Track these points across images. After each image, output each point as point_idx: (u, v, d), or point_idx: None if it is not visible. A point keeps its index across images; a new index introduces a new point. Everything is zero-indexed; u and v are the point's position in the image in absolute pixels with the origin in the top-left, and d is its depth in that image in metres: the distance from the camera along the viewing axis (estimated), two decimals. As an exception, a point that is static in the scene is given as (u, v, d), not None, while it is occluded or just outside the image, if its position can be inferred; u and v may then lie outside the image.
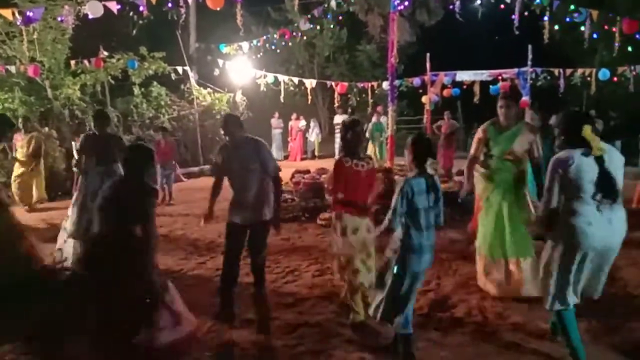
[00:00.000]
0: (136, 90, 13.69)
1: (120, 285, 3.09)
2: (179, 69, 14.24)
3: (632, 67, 12.47)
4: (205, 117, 15.22)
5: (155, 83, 14.25)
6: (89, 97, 12.79)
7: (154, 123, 13.77)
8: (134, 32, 13.59)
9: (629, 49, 12.06)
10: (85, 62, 12.56)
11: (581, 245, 2.92)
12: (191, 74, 14.92)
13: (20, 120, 9.09)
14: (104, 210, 3.23)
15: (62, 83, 11.96)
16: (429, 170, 3.03)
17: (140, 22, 12.05)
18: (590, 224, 2.90)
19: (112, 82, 13.25)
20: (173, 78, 14.33)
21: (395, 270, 3.13)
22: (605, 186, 2.86)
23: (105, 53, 12.80)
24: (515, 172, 4.29)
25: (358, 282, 3.69)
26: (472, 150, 4.51)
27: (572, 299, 3.07)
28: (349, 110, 16.99)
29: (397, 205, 3.02)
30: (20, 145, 8.79)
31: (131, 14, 10.34)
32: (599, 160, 2.86)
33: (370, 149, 12.67)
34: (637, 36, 10.67)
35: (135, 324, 3.18)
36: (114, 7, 8.32)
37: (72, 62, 12.50)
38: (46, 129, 10.83)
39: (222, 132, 4.24)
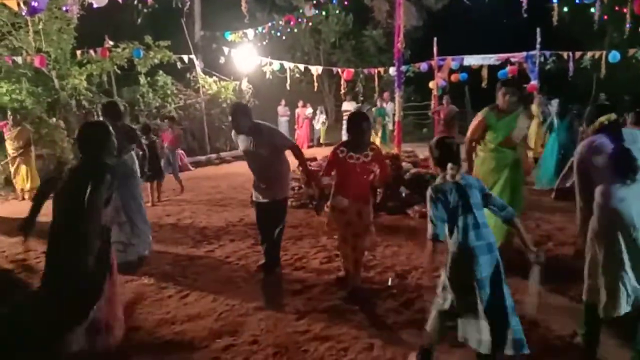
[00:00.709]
0: (142, 79, 13.71)
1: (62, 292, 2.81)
2: (185, 57, 14.22)
3: (644, 49, 12.27)
4: (211, 105, 15.22)
5: (161, 72, 14.25)
6: (95, 87, 12.83)
7: (161, 112, 13.80)
8: (139, 21, 13.58)
9: (640, 30, 11.89)
10: (91, 51, 12.59)
11: (618, 225, 2.80)
12: (197, 63, 14.89)
13: (9, 112, 9.01)
14: (53, 200, 2.97)
15: (69, 73, 11.99)
16: (447, 177, 2.74)
17: (145, 10, 12.05)
18: (623, 200, 2.81)
19: (118, 71, 13.27)
20: (179, 67, 14.32)
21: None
22: (623, 163, 2.83)
23: (111, 43, 12.81)
24: (512, 159, 4.36)
25: (343, 250, 4.13)
26: (469, 134, 4.54)
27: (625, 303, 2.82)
28: (360, 97, 16.87)
29: (431, 212, 2.74)
30: (9, 137, 8.81)
31: (136, 2, 10.33)
32: (615, 135, 2.90)
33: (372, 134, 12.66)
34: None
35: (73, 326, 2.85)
36: (119, -5, 8.31)
37: (78, 52, 12.53)
38: (54, 119, 10.89)
39: (230, 120, 4.36)
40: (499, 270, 2.66)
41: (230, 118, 4.35)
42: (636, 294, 2.81)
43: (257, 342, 3.41)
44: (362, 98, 14.00)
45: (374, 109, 12.78)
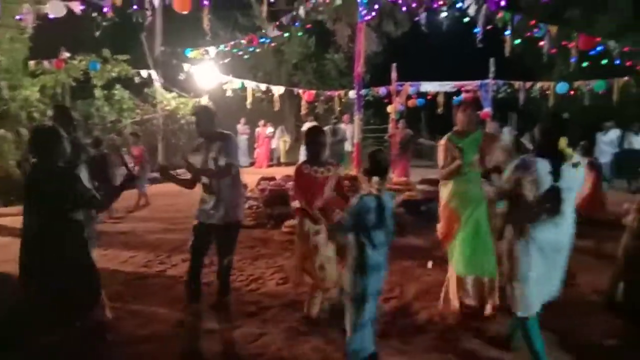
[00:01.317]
0: (98, 92, 13.37)
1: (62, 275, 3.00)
2: (143, 72, 13.98)
3: (587, 82, 13.00)
4: (169, 121, 14.98)
5: (118, 86, 13.95)
6: (48, 99, 12.40)
7: (116, 127, 13.47)
8: (97, 33, 13.27)
9: (585, 64, 12.62)
10: (46, 62, 12.20)
11: (535, 240, 3.04)
12: (155, 78, 14.67)
13: None
14: (25, 201, 3.08)
15: (20, 84, 11.54)
16: (373, 190, 2.87)
17: (104, 23, 11.78)
18: (537, 226, 3.05)
19: (73, 84, 12.89)
20: (137, 81, 14.06)
21: (351, 291, 2.99)
22: (552, 201, 2.99)
23: (67, 54, 12.46)
24: (480, 182, 4.15)
25: (307, 268, 3.91)
26: (440, 162, 4.34)
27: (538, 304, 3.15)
28: (333, 119, 17.02)
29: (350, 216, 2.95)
30: None
31: (95, 15, 10.12)
32: (554, 174, 2.99)
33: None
34: (592, 52, 11.17)
35: (83, 308, 3.15)
36: (77, 7, 8.13)
37: (32, 63, 12.10)
38: (2, 130, 10.43)
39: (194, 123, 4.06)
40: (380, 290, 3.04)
41: (194, 120, 4.03)
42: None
43: (209, 365, 3.33)
44: (335, 119, 14.08)
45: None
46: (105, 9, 8.41)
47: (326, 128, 13.54)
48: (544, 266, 3.08)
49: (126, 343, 3.61)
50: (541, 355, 3.09)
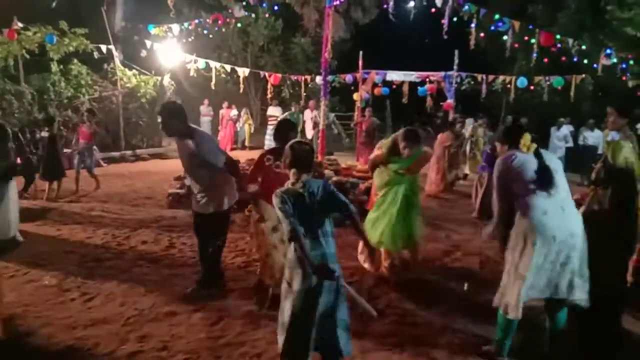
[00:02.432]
0: (54, 67, 12.79)
1: None
2: (103, 47, 13.46)
3: (547, 78, 13.39)
4: (129, 99, 14.52)
5: (75, 61, 13.38)
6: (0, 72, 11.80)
7: (73, 103, 12.95)
8: (54, 4, 12.68)
9: (545, 60, 12.98)
10: (-4, 32, 11.56)
11: (541, 236, 2.99)
12: (116, 54, 14.14)
13: None
14: None
15: (-33, 54, 10.93)
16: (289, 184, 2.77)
17: (62, -6, 11.27)
18: (546, 213, 3.01)
19: (27, 56, 12.28)
20: (96, 57, 13.52)
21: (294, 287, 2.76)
22: (544, 177, 3.07)
23: (20, 24, 11.82)
24: (410, 180, 4.70)
25: (269, 262, 3.93)
26: (371, 160, 4.89)
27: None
28: (301, 104, 16.87)
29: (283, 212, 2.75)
30: None
31: (51, -16, 9.65)
32: (537, 155, 3.11)
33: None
34: (553, 49, 11.50)
35: None
36: (32, -25, 7.70)
37: (-20, 32, 11.45)
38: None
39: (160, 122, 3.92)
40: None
41: (159, 119, 3.91)
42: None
43: (166, 349, 3.28)
44: (303, 104, 13.95)
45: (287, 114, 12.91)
46: (63, -21, 8.02)
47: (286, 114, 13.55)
48: (554, 255, 3.01)
49: (73, 327, 3.51)
50: (505, 348, 3.23)
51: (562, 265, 3.01)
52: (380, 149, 4.83)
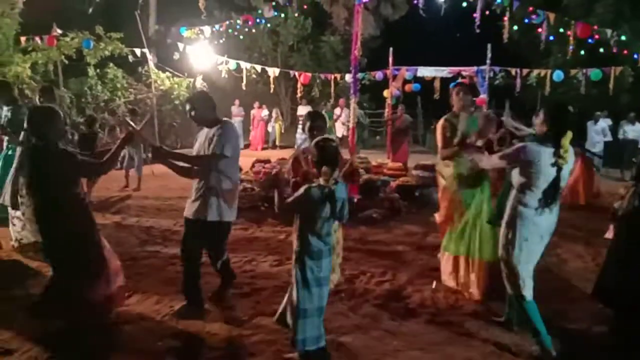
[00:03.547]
0: (91, 71, 13.20)
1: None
2: (137, 51, 13.77)
3: (584, 70, 12.97)
4: (163, 101, 14.84)
5: (111, 64, 13.77)
6: (40, 77, 12.23)
7: (109, 106, 13.33)
8: (90, 10, 13.08)
9: (582, 52, 12.57)
10: (37, 39, 11.99)
11: (534, 232, 3.17)
12: (150, 57, 14.43)
13: None
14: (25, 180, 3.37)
15: (11, 60, 11.36)
16: (322, 181, 2.81)
17: (98, 0, 11.60)
18: (537, 213, 3.14)
19: (66, 61, 12.71)
20: (130, 60, 13.86)
21: (296, 277, 2.97)
22: (552, 193, 3.08)
23: (59, 31, 12.24)
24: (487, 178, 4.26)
25: None
26: (440, 142, 4.38)
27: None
28: (325, 102, 16.88)
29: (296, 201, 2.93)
30: None
31: (87, -9, 9.94)
32: (559, 168, 3.05)
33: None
34: (590, 40, 11.13)
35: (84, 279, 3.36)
36: (69, -18, 7.94)
37: (23, 39, 11.89)
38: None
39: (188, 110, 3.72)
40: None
41: (187, 107, 3.70)
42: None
43: (201, 345, 3.34)
44: (333, 102, 14.05)
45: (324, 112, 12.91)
46: (98, -15, 8.26)
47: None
48: (537, 251, 3.25)
49: (112, 324, 3.61)
50: (543, 334, 3.16)
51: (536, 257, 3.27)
52: (440, 123, 4.36)
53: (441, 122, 4.38)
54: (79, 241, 3.33)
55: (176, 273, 4.68)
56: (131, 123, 3.83)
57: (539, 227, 3.16)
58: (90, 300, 3.35)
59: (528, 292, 3.19)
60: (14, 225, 5.19)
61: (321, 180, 2.81)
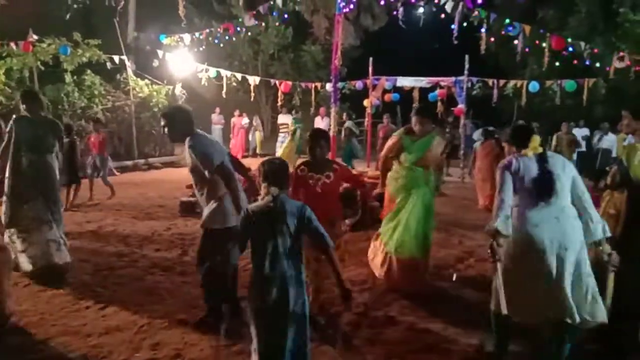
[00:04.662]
0: (68, 77, 12.99)
1: None
2: (116, 58, 13.64)
3: (559, 81, 13.29)
4: (141, 109, 14.68)
5: (88, 71, 13.58)
6: (15, 83, 11.99)
7: (86, 113, 13.13)
8: (68, 16, 12.90)
9: (557, 64, 12.88)
10: (12, 44, 11.76)
11: (529, 247, 2.92)
12: (128, 64, 14.34)
13: None
14: None
15: (-16, 66, 11.13)
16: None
17: (75, 6, 11.45)
18: (537, 225, 2.92)
19: (42, 68, 12.49)
20: (109, 67, 13.71)
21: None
22: (544, 184, 2.96)
23: (35, 37, 12.03)
24: (424, 178, 4.53)
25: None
26: (384, 151, 4.76)
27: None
28: (295, 110, 16.95)
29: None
30: None
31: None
32: (541, 159, 3.02)
33: (287, 146, 12.55)
34: (564, 53, 11.42)
35: None
36: (46, -12, 7.82)
37: (-3, 44, 11.67)
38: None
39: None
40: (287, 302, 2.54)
41: (162, 122, 3.62)
42: (548, 308, 2.89)
43: (179, 356, 3.28)
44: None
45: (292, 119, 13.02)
46: (76, -9, 8.14)
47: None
48: (543, 266, 2.88)
49: (87, 335, 3.53)
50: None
51: (554, 281, 2.84)
52: (393, 138, 4.68)
53: (394, 138, 4.65)
54: None
55: (155, 283, 4.62)
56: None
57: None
58: None
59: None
60: None
61: (263, 199, 2.64)
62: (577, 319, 2.79)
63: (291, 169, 3.19)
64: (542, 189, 2.96)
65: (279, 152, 12.55)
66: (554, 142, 11.85)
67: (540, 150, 3.06)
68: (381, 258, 4.61)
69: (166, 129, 3.59)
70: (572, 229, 2.91)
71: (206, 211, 3.59)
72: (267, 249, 2.56)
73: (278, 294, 2.52)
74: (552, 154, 3.14)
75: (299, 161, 3.83)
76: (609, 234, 2.98)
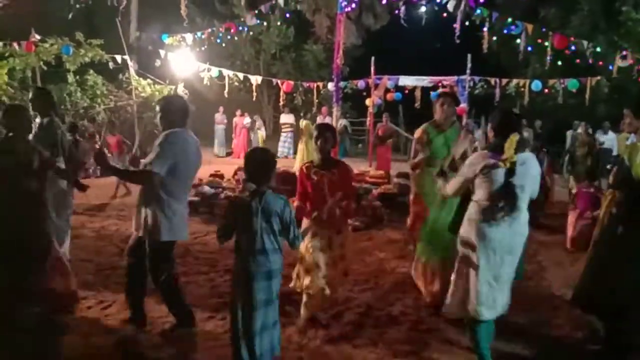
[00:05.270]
0: (70, 77, 13.00)
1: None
2: (118, 57, 13.65)
3: (562, 80, 13.25)
4: (144, 109, 14.68)
5: (91, 71, 13.59)
6: (17, 83, 12.02)
7: (89, 113, 13.15)
8: (70, 16, 12.91)
9: (559, 63, 12.85)
10: (15, 45, 11.79)
11: (488, 246, 3.00)
12: (130, 64, 14.33)
13: None
14: None
15: (-13, 66, 11.16)
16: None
17: (78, 6, 11.46)
18: (492, 225, 2.99)
19: (45, 68, 12.51)
20: (111, 67, 13.71)
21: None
22: (508, 199, 2.95)
23: (38, 37, 12.05)
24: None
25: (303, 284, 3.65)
26: (412, 152, 4.45)
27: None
28: (285, 109, 17.00)
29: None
30: None
31: (67, -4, 9.84)
32: (510, 172, 2.92)
33: (301, 148, 12.52)
34: (567, 51, 11.39)
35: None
36: (49, -12, 7.81)
37: (-1, 44, 11.70)
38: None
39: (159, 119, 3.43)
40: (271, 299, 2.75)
41: (157, 108, 3.47)
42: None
43: (182, 356, 3.29)
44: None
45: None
46: (78, -9, 8.14)
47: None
48: (496, 269, 3.02)
49: (89, 334, 3.54)
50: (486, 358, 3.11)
51: (503, 281, 3.05)
52: (418, 131, 4.38)
53: (419, 132, 4.40)
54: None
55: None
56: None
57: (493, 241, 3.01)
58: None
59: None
60: None
61: (247, 192, 2.71)
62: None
63: None
64: (504, 202, 2.96)
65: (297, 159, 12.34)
66: (568, 141, 11.20)
67: (515, 159, 2.92)
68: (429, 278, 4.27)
69: (159, 116, 3.42)
70: (520, 236, 3.07)
71: (150, 219, 3.28)
72: (245, 242, 2.69)
73: (248, 286, 2.68)
74: (524, 160, 3.01)
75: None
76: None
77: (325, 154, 3.62)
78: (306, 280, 3.62)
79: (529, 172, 3.04)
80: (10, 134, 3.64)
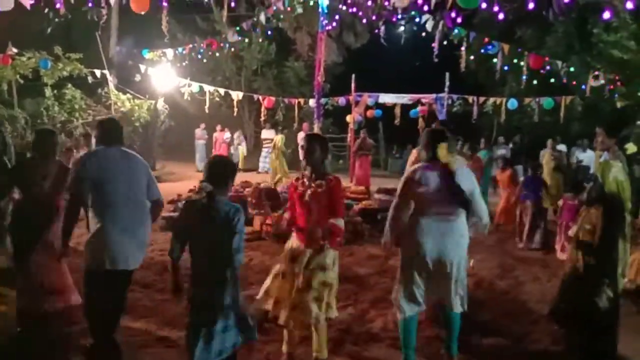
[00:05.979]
0: (48, 91, 12.82)
1: None
2: (97, 72, 13.53)
3: (537, 99, 13.58)
4: (123, 123, 14.45)
5: (69, 85, 13.42)
6: (-7, 96, 11.81)
7: (66, 127, 12.95)
8: (49, 30, 12.77)
9: (535, 82, 13.18)
10: (-9, 57, 11.60)
11: (418, 254, 3.21)
12: (110, 78, 14.22)
13: None
14: None
15: (-38, 79, 10.94)
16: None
17: (57, 20, 11.33)
18: (425, 234, 3.18)
19: (21, 81, 12.32)
20: (90, 81, 13.59)
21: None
22: (456, 199, 3.15)
23: (15, 50, 11.89)
24: None
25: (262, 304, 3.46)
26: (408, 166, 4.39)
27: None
28: (265, 125, 17.01)
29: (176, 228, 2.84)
30: None
31: (46, 10, 9.71)
32: (443, 173, 3.14)
33: (274, 162, 12.50)
34: (542, 71, 11.70)
35: None
36: (27, 1, 7.72)
37: (-26, 57, 11.49)
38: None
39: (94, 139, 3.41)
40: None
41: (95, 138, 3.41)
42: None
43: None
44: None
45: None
46: (57, 5, 8.04)
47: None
48: (429, 271, 3.25)
49: (68, 352, 3.44)
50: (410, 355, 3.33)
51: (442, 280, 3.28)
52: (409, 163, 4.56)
53: (415, 151, 4.61)
54: None
55: (134, 300, 4.52)
56: None
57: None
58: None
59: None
60: None
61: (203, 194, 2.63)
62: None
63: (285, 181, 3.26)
64: (440, 205, 3.16)
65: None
66: (541, 159, 11.31)
67: (453, 162, 3.19)
68: None
69: (94, 136, 3.50)
70: (454, 248, 3.23)
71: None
72: (195, 247, 2.64)
73: (206, 294, 2.59)
74: (462, 170, 3.26)
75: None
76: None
77: (314, 166, 3.36)
78: (282, 316, 3.33)
79: (465, 181, 3.22)
80: None
